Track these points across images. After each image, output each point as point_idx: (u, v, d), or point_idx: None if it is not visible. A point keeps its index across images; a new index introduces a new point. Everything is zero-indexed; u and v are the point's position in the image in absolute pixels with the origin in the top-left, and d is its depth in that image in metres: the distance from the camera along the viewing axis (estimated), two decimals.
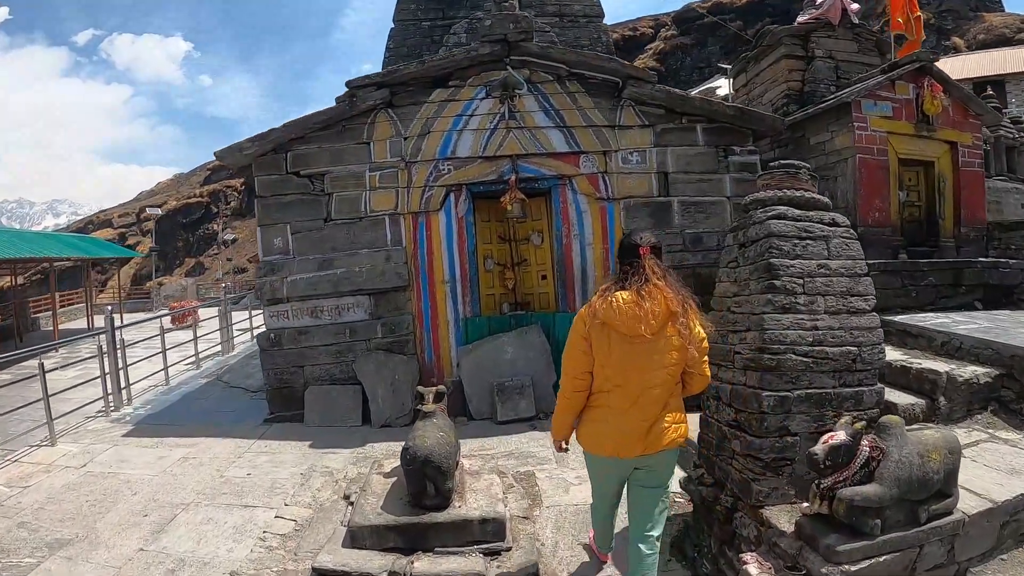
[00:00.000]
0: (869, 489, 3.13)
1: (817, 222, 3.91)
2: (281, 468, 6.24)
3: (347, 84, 7.46)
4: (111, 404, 8.75)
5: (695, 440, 5.43)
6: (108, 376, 8.89)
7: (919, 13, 10.29)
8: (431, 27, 12.53)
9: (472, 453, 5.98)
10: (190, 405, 9.17)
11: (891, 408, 4.74)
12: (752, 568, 3.36)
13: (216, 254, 47.14)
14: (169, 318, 19.38)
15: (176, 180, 78.48)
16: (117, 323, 9.97)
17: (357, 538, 4.02)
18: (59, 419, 7.64)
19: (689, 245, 7.48)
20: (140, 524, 5.01)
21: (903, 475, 3.15)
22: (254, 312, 15.45)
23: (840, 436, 3.24)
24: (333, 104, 7.51)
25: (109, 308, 10.29)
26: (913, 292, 7.77)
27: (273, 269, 7.63)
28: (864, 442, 3.27)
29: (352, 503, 4.78)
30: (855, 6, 10.50)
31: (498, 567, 3.85)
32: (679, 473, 5.34)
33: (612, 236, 7.46)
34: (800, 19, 10.66)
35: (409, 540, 4.01)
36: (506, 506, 4.39)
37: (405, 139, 7.47)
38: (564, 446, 3.41)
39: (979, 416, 5.24)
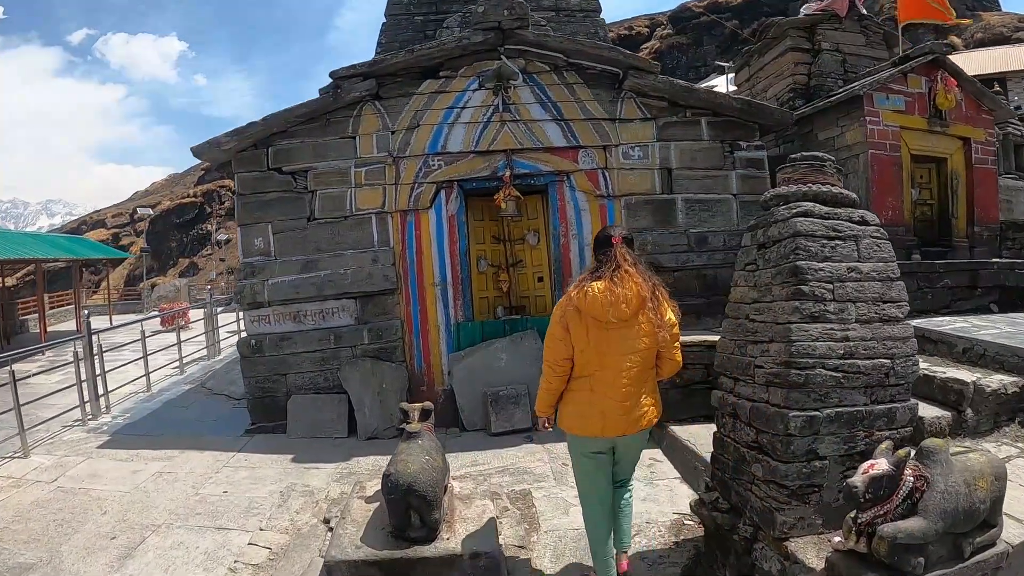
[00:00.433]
0: (913, 525, 2.76)
1: (846, 220, 3.50)
2: (260, 485, 5.84)
3: (331, 75, 7.02)
4: (88, 413, 8.34)
5: (705, 458, 5.08)
6: (85, 384, 8.48)
7: None
8: (424, 22, 12.08)
9: (463, 473, 5.58)
10: (170, 414, 8.76)
11: (918, 423, 4.34)
12: None
13: (209, 254, 46.67)
14: (158, 320, 19.00)
15: (170, 180, 77.99)
16: (105, 326, 9.56)
17: (334, 574, 3.59)
18: (39, 426, 7.37)
19: (694, 245, 7.07)
20: (107, 548, 4.62)
21: (949, 507, 2.79)
22: (243, 314, 14.56)
23: (882, 465, 2.85)
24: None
25: (86, 312, 9.82)
26: (929, 294, 7.41)
27: (254, 271, 7.21)
28: (907, 471, 2.88)
29: (332, 528, 4.37)
30: None
31: None
32: (689, 495, 4.98)
33: None
34: (805, 10, 10.27)
35: None
36: (500, 536, 3.96)
37: (393, 133, 7.05)
38: (547, 425, 3.57)
39: (1007, 428, 4.92)
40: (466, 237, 7.16)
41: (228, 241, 41.50)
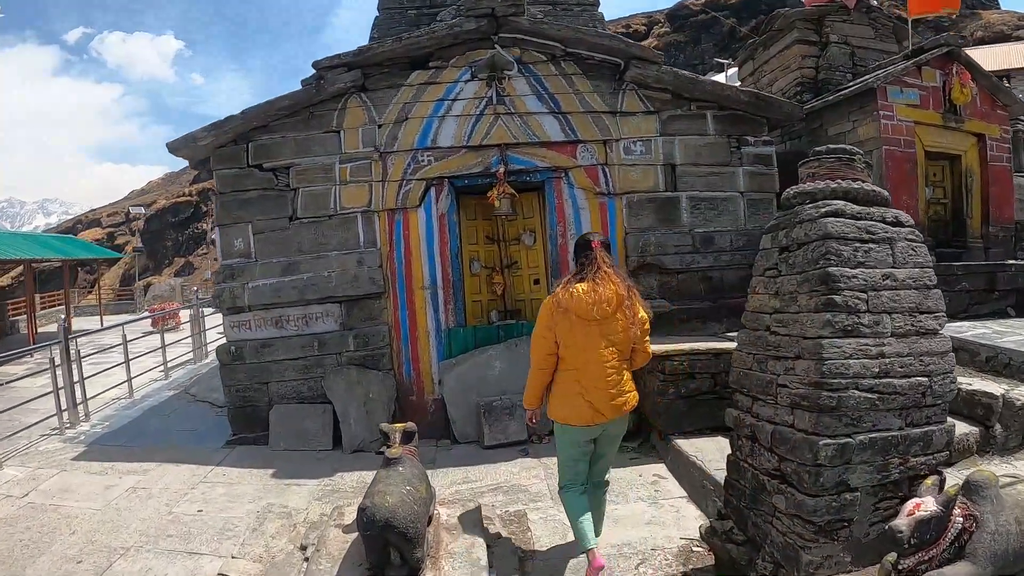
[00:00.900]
0: (962, 571, 2.41)
1: (879, 221, 3.11)
2: (237, 504, 5.44)
3: (314, 65, 6.61)
4: (66, 421, 7.97)
5: (714, 477, 4.69)
6: (63, 391, 8.06)
7: None
8: (417, 15, 11.61)
9: (453, 492, 5.22)
10: (150, 422, 8.33)
11: None
12: None
13: (205, 254, 46.20)
14: (146, 321, 18.53)
15: (167, 179, 77.44)
16: (95, 326, 9.17)
17: None
18: (20, 433, 7.11)
19: (699, 246, 6.67)
20: (73, 573, 4.27)
21: (999, 549, 2.48)
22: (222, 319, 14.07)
23: (929, 506, 2.49)
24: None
25: (62, 317, 9.39)
26: (946, 298, 7.01)
27: (233, 274, 6.80)
28: (956, 510, 2.50)
29: (308, 558, 3.97)
30: None
31: None
32: (698, 517, 4.59)
33: (613, 236, 6.64)
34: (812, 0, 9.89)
35: None
36: (492, 572, 3.55)
37: (379, 127, 6.64)
38: (535, 419, 3.85)
39: None
40: (457, 237, 6.75)
41: None
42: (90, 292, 39.12)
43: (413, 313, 6.66)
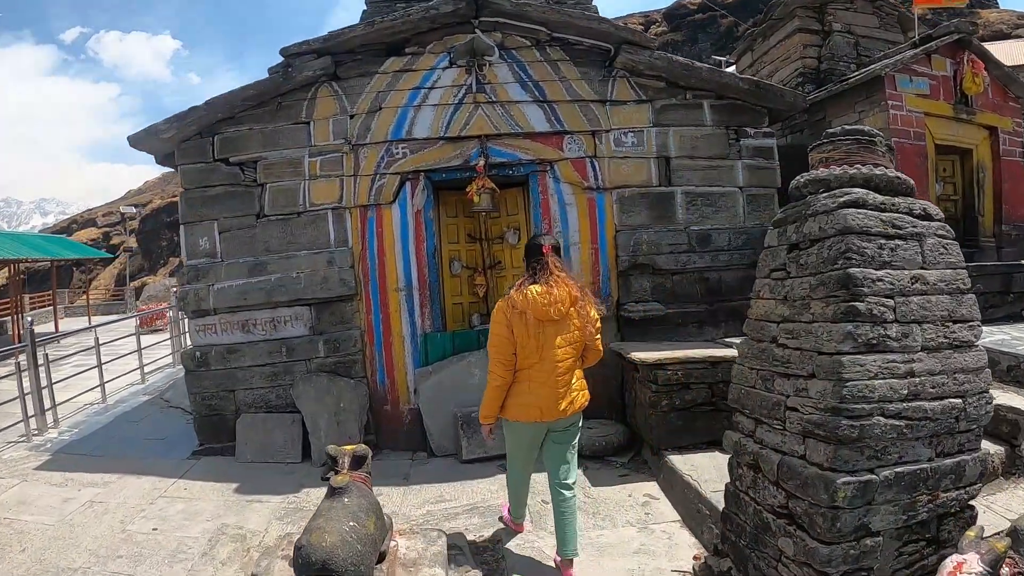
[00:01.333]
0: None
1: (906, 213, 2.64)
2: (193, 522, 5.02)
3: (282, 52, 6.15)
4: (34, 428, 7.62)
5: (711, 500, 4.24)
6: (30, 397, 7.73)
7: None
8: (407, 7, 11.21)
9: (421, 520, 4.75)
10: (120, 430, 7.95)
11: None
12: None
13: None
14: (134, 322, 18.06)
15: (163, 179, 76.84)
16: (84, 327, 8.75)
17: None
18: None
19: (696, 245, 6.19)
20: None
21: None
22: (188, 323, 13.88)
23: (973, 566, 2.03)
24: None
25: (30, 320, 8.94)
26: None
27: (198, 275, 6.35)
28: (1004, 569, 2.05)
29: None
30: None
31: None
32: (692, 545, 4.13)
33: (603, 234, 6.17)
34: None
35: None
36: None
37: (351, 117, 6.16)
38: (491, 435, 3.86)
39: None
40: (435, 235, 6.27)
41: None
42: (85, 292, 38.77)
43: (387, 317, 6.18)
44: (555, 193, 6.16)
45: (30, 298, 29.19)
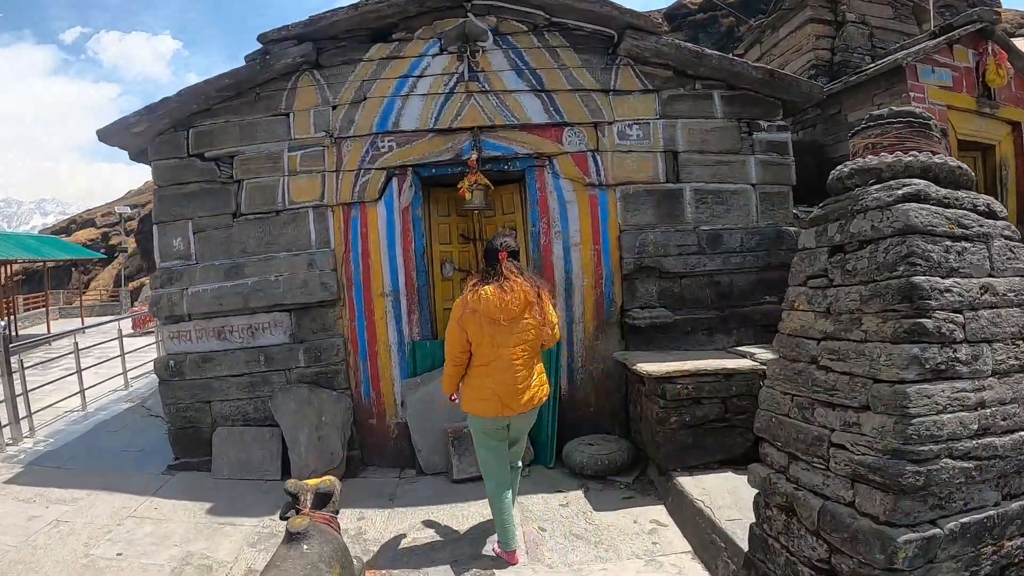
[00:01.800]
0: None
1: (970, 209, 2.19)
2: (160, 548, 4.62)
3: (259, 38, 5.70)
4: (7, 438, 7.29)
5: (725, 531, 3.80)
6: (2, 405, 7.45)
7: None
8: None
9: (401, 555, 4.30)
10: (97, 440, 7.59)
11: None
12: None
13: None
14: (127, 324, 17.65)
15: None
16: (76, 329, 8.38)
17: None
18: None
19: (706, 246, 5.74)
20: None
21: None
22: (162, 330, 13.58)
23: None
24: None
25: (2, 324, 8.50)
26: None
27: (171, 278, 5.93)
28: None
29: None
30: None
31: None
32: None
33: (606, 234, 5.71)
34: None
35: None
36: None
37: (334, 108, 5.71)
38: (454, 397, 4.12)
39: None
40: (423, 236, 5.81)
41: None
42: (81, 293, 38.38)
43: (372, 324, 5.73)
44: (554, 190, 5.71)
45: (24, 299, 28.83)
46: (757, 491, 2.72)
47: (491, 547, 4.19)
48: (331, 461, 5.63)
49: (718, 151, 5.87)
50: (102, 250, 38.95)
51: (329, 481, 2.89)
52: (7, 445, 7.13)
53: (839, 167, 2.43)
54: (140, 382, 10.93)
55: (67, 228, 58.49)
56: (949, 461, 1.94)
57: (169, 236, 5.99)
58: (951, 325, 1.95)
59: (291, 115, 5.77)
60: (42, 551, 4.55)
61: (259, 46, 5.73)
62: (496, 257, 3.87)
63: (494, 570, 3.94)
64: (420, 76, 5.66)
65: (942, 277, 1.99)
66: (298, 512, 2.71)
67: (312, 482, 2.86)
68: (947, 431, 1.92)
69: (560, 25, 5.71)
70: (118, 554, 4.52)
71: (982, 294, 2.07)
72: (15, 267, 30.40)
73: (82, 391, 9.30)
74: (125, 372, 10.82)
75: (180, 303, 5.86)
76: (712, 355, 5.27)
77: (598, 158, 5.70)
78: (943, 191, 2.14)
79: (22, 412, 7.72)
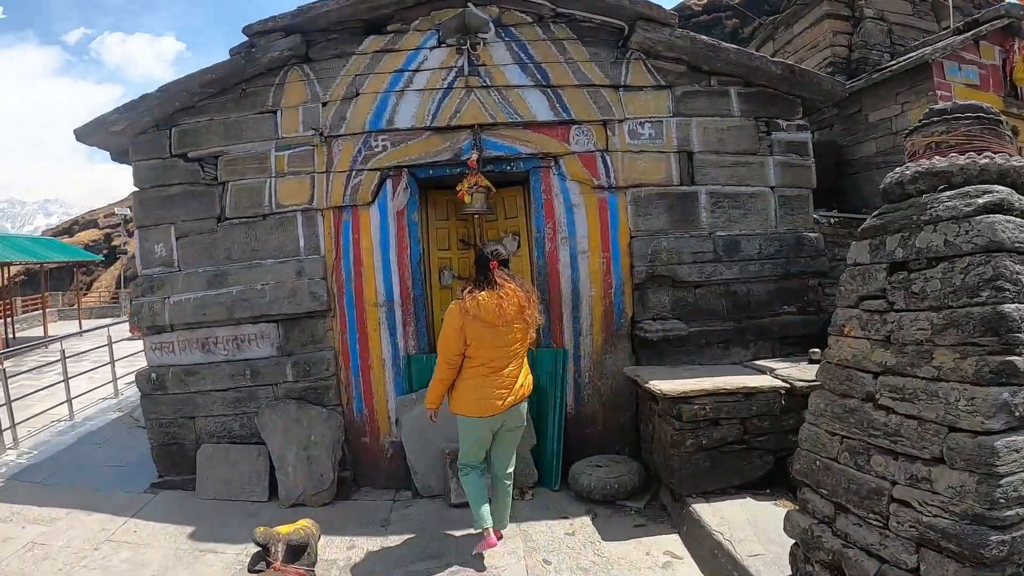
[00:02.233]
0: None
1: None
2: None
3: (245, 30, 5.35)
4: None
5: (747, 568, 3.43)
6: None
7: None
8: None
9: None
10: (81, 453, 7.29)
11: None
12: None
13: None
14: (126, 327, 17.35)
15: None
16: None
17: None
18: None
19: (722, 253, 5.36)
20: None
21: None
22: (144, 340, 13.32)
23: None
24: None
25: None
26: None
27: (152, 286, 5.59)
28: None
29: None
30: None
31: None
32: None
33: (616, 240, 5.33)
34: None
35: None
36: None
37: (324, 105, 5.35)
38: (435, 417, 4.25)
39: None
40: (420, 241, 5.43)
41: None
42: (86, 293, 38.16)
43: (365, 336, 5.37)
44: (560, 192, 5.33)
45: (23, 301, 28.61)
46: (794, 542, 2.35)
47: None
48: (321, 483, 5.27)
49: (735, 152, 5.50)
50: (104, 251, 38.75)
51: (303, 530, 2.53)
52: None
53: (898, 169, 2.06)
54: (131, 389, 10.51)
55: (69, 229, 58.38)
56: None
57: (151, 241, 5.66)
58: None
59: (279, 112, 5.42)
60: None
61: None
62: (487, 266, 4.00)
63: None
64: (416, 70, 5.29)
65: None
66: (268, 565, 2.34)
67: (284, 530, 2.50)
68: None
69: (567, 16, 5.35)
70: None
71: None
72: (16, 268, 30.23)
73: (69, 400, 9.01)
74: (115, 379, 10.54)
75: (162, 313, 5.52)
76: (730, 370, 4.90)
77: (607, 159, 5.32)
78: None
79: (5, 423, 7.46)
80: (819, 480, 2.16)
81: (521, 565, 4.12)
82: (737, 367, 5.10)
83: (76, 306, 28.46)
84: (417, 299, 5.34)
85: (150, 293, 5.57)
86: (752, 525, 3.94)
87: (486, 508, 4.16)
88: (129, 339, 14.87)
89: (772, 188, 5.56)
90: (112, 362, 10.58)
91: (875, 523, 1.89)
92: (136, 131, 5.60)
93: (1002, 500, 1.55)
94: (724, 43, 5.39)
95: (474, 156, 5.14)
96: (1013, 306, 1.59)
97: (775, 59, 5.59)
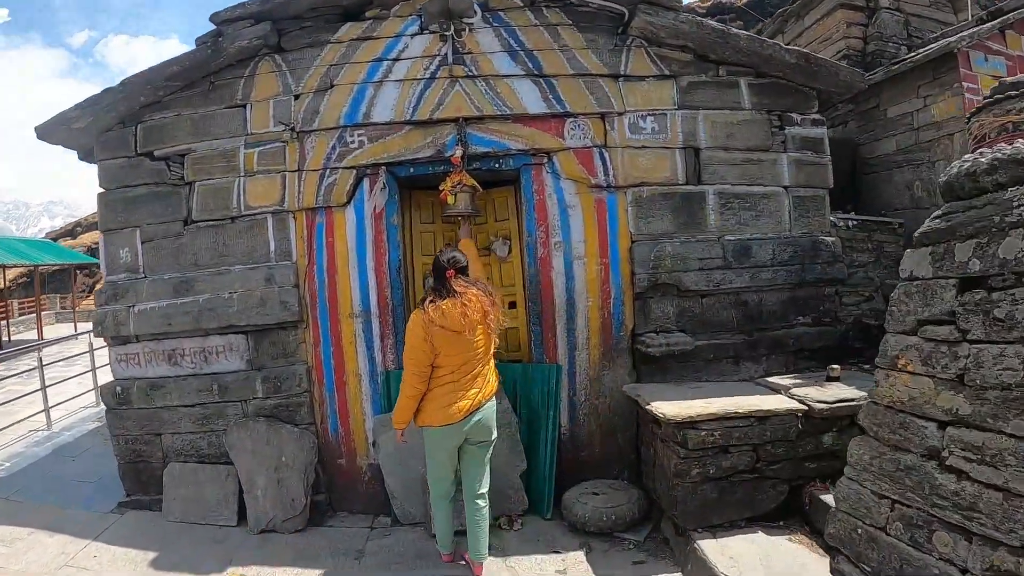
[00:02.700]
0: None
1: None
2: None
3: (212, 18, 4.93)
4: None
5: None
6: None
7: None
8: None
9: None
10: (52, 466, 6.98)
11: None
12: None
13: None
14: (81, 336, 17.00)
15: None
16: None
17: None
18: None
19: (732, 259, 4.90)
20: None
21: None
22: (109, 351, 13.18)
23: None
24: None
25: None
26: None
27: (117, 293, 5.20)
28: None
29: None
30: None
31: None
32: None
33: (615, 245, 4.87)
34: None
35: None
36: None
37: (296, 98, 4.92)
38: (403, 437, 4.04)
39: None
40: (399, 246, 4.96)
41: None
42: (87, 296, 37.81)
43: (340, 349, 4.92)
44: (554, 192, 4.87)
45: (20, 303, 28.34)
46: None
47: None
48: (292, 508, 4.85)
49: (745, 148, 5.03)
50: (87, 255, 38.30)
51: None
52: None
53: (968, 157, 1.60)
54: None
55: (72, 231, 58.22)
56: None
57: (115, 246, 5.28)
58: None
59: (248, 106, 5.00)
60: None
61: None
62: (444, 275, 3.88)
63: None
64: (396, 59, 4.84)
65: None
66: None
67: None
68: None
69: (561, 0, 4.90)
70: None
71: None
72: (19, 270, 29.97)
73: (47, 409, 8.68)
74: (97, 388, 10.14)
75: (127, 322, 5.14)
76: (739, 389, 4.44)
77: (606, 155, 4.85)
78: None
79: None
80: (860, 553, 1.71)
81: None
82: (748, 384, 4.64)
83: (83, 308, 28.08)
84: (396, 309, 4.88)
85: (114, 301, 5.19)
86: (765, 566, 3.50)
87: (449, 534, 4.15)
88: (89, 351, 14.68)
89: (786, 188, 5.11)
90: (94, 369, 10.22)
91: None
92: (100, 128, 5.23)
93: None
94: (734, 29, 4.93)
95: (458, 152, 4.68)
96: None
97: (789, 47, 5.12)
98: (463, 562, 4.13)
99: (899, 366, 1.66)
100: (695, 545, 3.82)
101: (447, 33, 4.71)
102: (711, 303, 4.92)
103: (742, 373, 4.92)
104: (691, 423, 3.83)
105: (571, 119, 4.87)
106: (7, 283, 28.15)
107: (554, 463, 4.75)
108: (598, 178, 4.86)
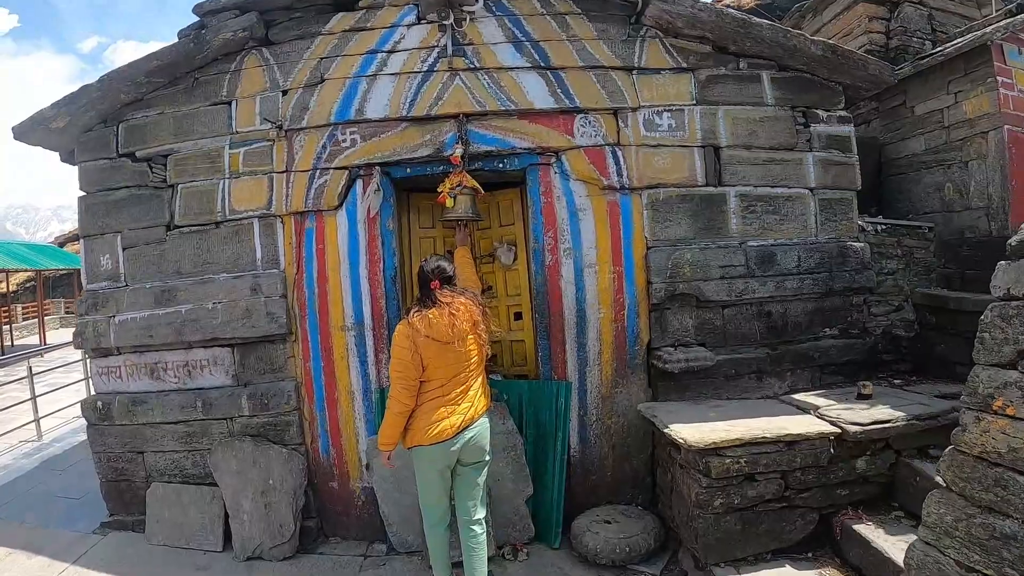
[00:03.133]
0: None
1: None
2: None
3: (195, 9, 4.61)
4: None
5: None
6: None
7: None
8: None
9: None
10: (39, 480, 6.82)
11: None
12: None
13: None
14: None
15: None
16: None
17: None
18: None
19: (755, 267, 4.53)
20: None
21: None
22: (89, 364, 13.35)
23: None
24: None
25: None
26: None
27: (97, 303, 4.91)
28: None
29: None
30: None
31: None
32: None
33: (629, 252, 4.50)
34: None
35: None
36: None
37: (284, 93, 4.58)
38: (389, 460, 3.76)
39: None
40: (395, 253, 4.59)
41: None
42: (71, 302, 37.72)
43: (331, 364, 4.57)
44: (562, 195, 4.50)
45: (23, 308, 28.26)
46: None
47: None
48: (280, 534, 4.51)
49: (769, 146, 4.67)
50: None
51: None
52: None
53: None
54: None
55: (77, 236, 58.62)
56: None
57: (96, 252, 5.01)
58: None
59: (233, 103, 4.67)
60: None
61: None
62: (429, 285, 3.71)
63: None
64: (392, 51, 4.49)
65: None
66: None
67: None
68: None
69: None
70: None
71: None
72: (25, 274, 29.92)
73: (37, 420, 8.60)
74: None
75: (107, 333, 4.85)
76: (764, 408, 4.08)
77: (619, 154, 4.48)
78: None
79: None
80: None
81: None
82: (772, 402, 4.28)
83: (75, 314, 27.98)
84: (392, 322, 4.48)
85: (95, 311, 4.91)
86: None
87: (446, 565, 3.84)
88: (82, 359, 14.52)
89: (811, 190, 4.75)
90: (87, 378, 9.96)
91: None
92: (80, 128, 4.94)
93: None
94: (755, 18, 4.57)
95: (458, 151, 4.32)
96: None
97: (814, 38, 4.76)
98: None
99: (995, 408, 1.30)
100: None
101: (446, 22, 4.37)
102: (732, 314, 4.55)
103: (765, 389, 4.55)
104: (714, 449, 3.47)
105: (581, 115, 4.50)
106: (13, 288, 28.02)
107: (563, 488, 4.39)
108: (611, 179, 4.49)
